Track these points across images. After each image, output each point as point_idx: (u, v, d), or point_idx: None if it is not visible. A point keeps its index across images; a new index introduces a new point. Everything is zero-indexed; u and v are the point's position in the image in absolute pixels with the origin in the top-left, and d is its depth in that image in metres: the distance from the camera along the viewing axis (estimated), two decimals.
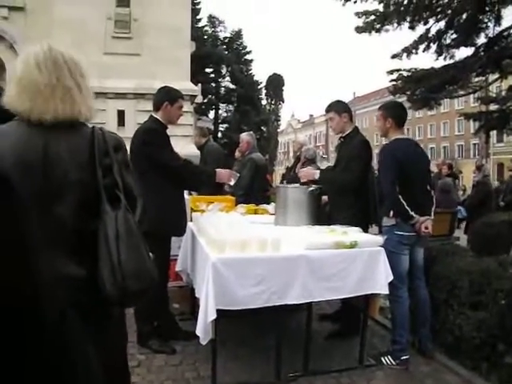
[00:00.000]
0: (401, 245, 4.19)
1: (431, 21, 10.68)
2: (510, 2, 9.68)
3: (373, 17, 10.95)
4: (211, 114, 47.19)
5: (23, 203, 1.68)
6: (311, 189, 4.67)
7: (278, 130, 61.65)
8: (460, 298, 4.25)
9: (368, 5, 10.92)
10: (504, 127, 11.24)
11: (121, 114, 13.90)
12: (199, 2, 43.57)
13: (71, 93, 1.81)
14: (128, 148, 2.06)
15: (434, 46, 10.92)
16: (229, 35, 50.15)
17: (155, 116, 4.41)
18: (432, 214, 4.35)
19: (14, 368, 1.69)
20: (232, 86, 48.57)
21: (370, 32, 11.09)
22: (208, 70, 46.48)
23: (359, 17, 11.13)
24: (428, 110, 12.79)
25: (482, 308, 4.06)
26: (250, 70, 50.64)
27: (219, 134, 46.73)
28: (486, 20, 10.06)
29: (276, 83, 54.12)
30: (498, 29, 10.07)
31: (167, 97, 4.42)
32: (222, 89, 49.10)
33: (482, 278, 4.13)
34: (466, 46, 10.71)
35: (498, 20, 9.92)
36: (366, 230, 4.51)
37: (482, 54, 10.37)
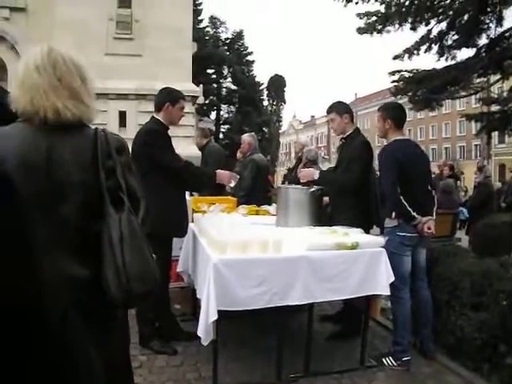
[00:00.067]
0: (403, 246, 4.19)
1: (433, 22, 10.67)
2: None
3: (374, 18, 10.94)
4: (213, 115, 47.29)
5: (26, 204, 1.69)
6: (312, 190, 4.67)
7: (280, 131, 61.69)
8: (461, 299, 4.25)
9: (369, 6, 10.93)
10: (506, 128, 11.22)
11: (122, 115, 13.89)
12: (201, 3, 43.68)
13: (71, 94, 1.81)
14: (129, 149, 2.06)
15: (435, 47, 10.92)
16: (230, 36, 50.28)
17: (157, 117, 4.42)
18: (434, 214, 4.35)
19: (17, 367, 1.70)
20: (233, 87, 48.65)
21: (371, 33, 11.09)
22: (209, 71, 46.57)
23: (361, 18, 11.12)
24: (429, 110, 12.76)
25: (484, 309, 4.05)
26: (252, 70, 50.74)
27: (221, 135, 46.81)
28: (487, 21, 10.05)
29: (277, 84, 54.11)
30: (500, 30, 10.06)
31: (169, 98, 4.42)
32: (224, 90, 49.18)
33: (484, 279, 4.13)
34: (467, 46, 10.70)
35: (499, 21, 9.91)
36: (367, 231, 4.51)
37: (484, 54, 10.35)
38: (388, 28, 10.85)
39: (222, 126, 49.01)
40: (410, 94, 11.77)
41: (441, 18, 10.51)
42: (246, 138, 7.48)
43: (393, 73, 11.74)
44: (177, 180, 4.27)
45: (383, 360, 4.23)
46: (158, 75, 13.01)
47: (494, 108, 12.09)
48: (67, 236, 1.72)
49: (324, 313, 5.38)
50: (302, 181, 5.04)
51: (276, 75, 54.66)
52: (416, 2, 10.23)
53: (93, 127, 1.89)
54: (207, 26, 48.66)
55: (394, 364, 4.17)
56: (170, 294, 4.76)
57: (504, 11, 9.86)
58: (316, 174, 4.89)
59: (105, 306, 1.75)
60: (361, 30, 11.24)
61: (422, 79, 11.12)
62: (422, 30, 10.85)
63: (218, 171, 4.56)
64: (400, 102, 6.16)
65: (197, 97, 15.03)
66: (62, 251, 1.71)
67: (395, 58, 11.51)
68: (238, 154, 8.13)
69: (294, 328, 4.30)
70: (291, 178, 7.75)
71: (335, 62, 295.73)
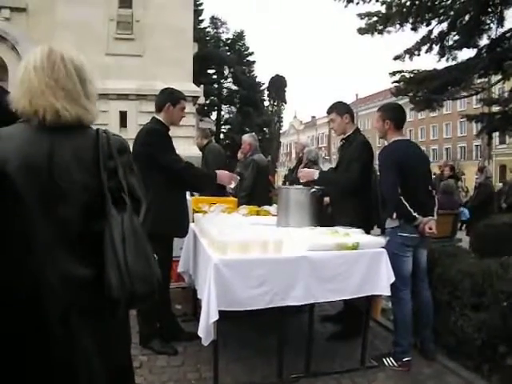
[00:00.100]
0: (404, 246, 4.19)
1: (434, 22, 10.65)
2: None
3: (375, 18, 10.92)
4: (213, 115, 47.32)
5: (27, 204, 1.70)
6: (313, 190, 4.67)
7: (281, 132, 61.70)
8: (462, 300, 4.25)
9: (370, 6, 10.91)
10: (506, 129, 11.20)
11: (123, 115, 13.91)
12: (202, 3, 43.66)
13: (69, 96, 1.81)
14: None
15: (436, 48, 10.90)
16: (231, 36, 50.33)
17: (157, 117, 4.43)
18: (435, 214, 4.35)
19: (17, 366, 1.70)
20: (234, 88, 48.69)
21: (372, 33, 11.07)
22: (210, 71, 46.60)
23: (361, 18, 11.11)
24: (430, 111, 12.72)
25: (484, 309, 4.05)
26: (253, 71, 50.81)
27: (221, 136, 46.84)
28: (488, 21, 10.03)
29: (278, 84, 54.13)
30: (501, 30, 10.03)
31: (169, 98, 4.43)
32: (225, 90, 49.23)
33: (484, 279, 4.13)
34: (468, 47, 10.69)
35: (500, 21, 9.89)
36: (368, 232, 4.51)
37: (485, 55, 10.34)
38: (389, 28, 10.83)
39: (222, 127, 49.03)
40: (410, 94, 11.75)
41: (442, 18, 10.49)
42: (247, 138, 7.49)
43: (394, 73, 11.73)
44: (177, 180, 4.27)
45: (384, 360, 4.23)
46: (158, 75, 13.03)
47: (495, 109, 12.07)
48: (68, 236, 1.72)
49: (325, 313, 5.38)
50: (301, 181, 5.04)
51: (277, 75, 54.68)
52: (417, 2, 10.22)
53: (94, 128, 1.90)
54: (208, 27, 48.74)
55: (395, 364, 4.17)
56: (171, 294, 4.77)
57: (505, 11, 9.84)
58: (315, 174, 4.90)
59: (105, 306, 1.75)
60: (362, 31, 11.22)
61: (422, 80, 11.10)
62: (423, 30, 10.84)
63: (219, 172, 4.55)
64: (401, 102, 6.16)
65: (197, 97, 15.04)
66: (63, 251, 1.71)
67: (396, 58, 11.49)
68: (239, 155, 8.14)
69: (294, 328, 4.30)
70: (292, 178, 7.76)
71: (336, 62, 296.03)
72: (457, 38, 10.63)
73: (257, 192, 6.85)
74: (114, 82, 13.11)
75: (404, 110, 4.61)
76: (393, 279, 3.95)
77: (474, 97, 13.47)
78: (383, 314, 4.94)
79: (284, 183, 10.58)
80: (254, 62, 51.06)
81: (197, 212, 5.23)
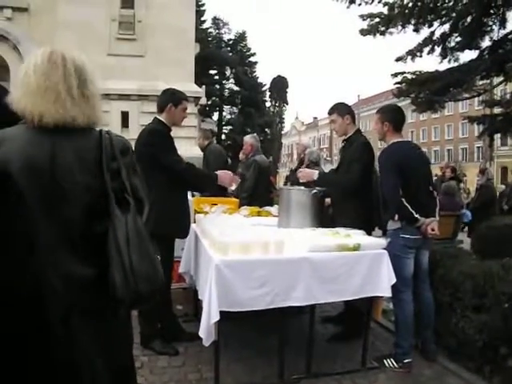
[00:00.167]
0: (406, 248, 4.19)
1: (436, 23, 10.66)
2: None
3: (377, 19, 10.94)
4: (215, 116, 47.37)
5: (29, 205, 1.70)
6: (314, 191, 4.66)
7: (282, 133, 61.81)
8: (463, 301, 4.24)
9: (372, 7, 10.93)
10: (508, 130, 11.20)
11: (125, 116, 13.92)
12: (203, 4, 43.67)
13: (68, 97, 1.81)
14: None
15: (438, 49, 10.91)
16: (233, 37, 50.33)
17: (159, 118, 4.43)
18: (437, 215, 4.34)
19: (19, 366, 1.70)
20: (236, 88, 48.71)
21: (374, 34, 11.08)
22: (212, 72, 46.63)
23: (364, 19, 11.12)
24: (432, 112, 12.73)
25: (485, 311, 4.05)
26: (254, 72, 50.82)
27: (223, 136, 46.88)
28: (490, 23, 10.04)
29: (280, 85, 54.20)
30: (503, 32, 10.04)
31: (171, 99, 4.43)
32: (226, 91, 49.26)
33: (485, 281, 4.13)
34: (470, 48, 10.69)
35: (502, 23, 9.90)
36: (369, 233, 4.51)
37: (487, 56, 10.34)
38: (391, 30, 10.85)
39: (224, 127, 49.08)
40: (412, 95, 11.75)
41: (444, 19, 10.50)
42: (248, 139, 7.49)
43: (395, 74, 11.74)
44: (179, 181, 4.27)
45: (385, 362, 4.23)
46: (160, 76, 13.04)
47: (497, 110, 12.08)
48: (70, 237, 1.73)
49: (326, 314, 5.38)
50: (301, 181, 5.05)
51: (278, 76, 54.76)
52: (419, 3, 10.23)
53: (97, 129, 1.90)
54: (210, 27, 48.77)
55: (396, 366, 4.17)
56: (172, 294, 4.77)
57: (507, 13, 9.85)
58: (315, 174, 4.91)
59: (107, 307, 1.76)
60: (364, 32, 11.24)
61: (424, 81, 11.11)
62: (425, 31, 10.85)
63: (220, 173, 4.54)
64: (403, 103, 6.17)
65: (199, 98, 15.05)
66: (65, 252, 1.71)
67: (398, 59, 11.50)
68: (241, 155, 8.15)
69: (295, 329, 4.30)
70: (293, 179, 7.77)
71: (338, 63, 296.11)
72: (459, 39, 10.64)
73: (258, 193, 6.86)
74: (116, 83, 13.11)
75: (403, 111, 4.60)
76: (394, 280, 3.95)
77: (476, 98, 13.45)
78: (384, 315, 4.93)
79: (285, 184, 10.58)
80: (255, 62, 51.09)
81: (198, 213, 5.23)
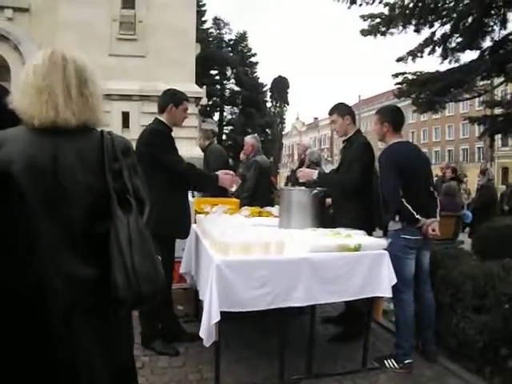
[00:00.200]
0: (407, 249, 4.18)
1: (436, 24, 10.68)
2: None
3: (378, 20, 10.96)
4: (216, 116, 47.34)
5: (31, 205, 1.70)
6: (315, 192, 4.67)
7: (283, 133, 61.75)
8: (464, 302, 4.24)
9: (373, 8, 11.00)
10: (508, 131, 11.21)
11: (125, 116, 13.92)
12: (204, 4, 43.65)
13: (68, 98, 1.81)
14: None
15: (439, 50, 10.93)
16: (234, 37, 50.31)
17: (160, 118, 4.43)
18: (438, 215, 4.34)
19: (20, 366, 1.70)
20: (237, 89, 48.69)
21: (375, 35, 11.10)
22: (213, 72, 46.61)
23: (365, 20, 11.15)
24: (433, 113, 12.73)
25: (486, 312, 4.05)
26: (255, 72, 50.78)
27: (224, 136, 46.88)
28: (491, 23, 10.06)
29: (281, 86, 54.14)
30: (504, 32, 10.07)
31: (172, 99, 4.43)
32: (227, 91, 49.24)
33: (486, 281, 4.13)
34: (471, 49, 10.71)
35: (503, 23, 9.91)
36: (370, 233, 4.51)
37: (488, 57, 10.35)
38: (392, 30, 10.87)
39: (225, 128, 49.06)
40: (413, 96, 11.77)
41: (445, 20, 10.52)
42: (249, 139, 7.49)
43: (396, 75, 11.76)
44: (180, 181, 4.28)
45: (385, 362, 4.23)
46: (161, 76, 13.05)
47: (498, 111, 12.08)
48: (72, 237, 1.73)
49: (326, 314, 5.38)
50: (300, 180, 5.05)
51: (279, 77, 54.70)
52: (420, 4, 10.24)
53: (98, 129, 1.90)
54: (211, 27, 48.75)
55: (396, 366, 4.17)
56: (173, 295, 4.76)
57: (508, 14, 9.87)
58: (315, 174, 4.91)
59: (109, 307, 1.76)
60: (364, 32, 11.26)
61: (425, 81, 11.12)
62: (426, 32, 10.88)
63: (220, 175, 4.55)
64: (403, 104, 6.17)
65: (200, 98, 15.05)
66: (67, 252, 1.72)
67: (399, 60, 11.52)
68: (241, 156, 8.15)
69: (296, 330, 4.30)
70: (294, 179, 7.77)
71: (339, 63, 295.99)
72: (460, 40, 10.66)
73: (259, 193, 6.86)
74: (117, 83, 13.10)
75: (402, 112, 4.60)
76: (394, 281, 3.95)
77: (477, 99, 13.47)
78: (385, 315, 4.93)
79: (286, 184, 10.59)
80: (256, 63, 51.05)
81: (199, 213, 5.23)
